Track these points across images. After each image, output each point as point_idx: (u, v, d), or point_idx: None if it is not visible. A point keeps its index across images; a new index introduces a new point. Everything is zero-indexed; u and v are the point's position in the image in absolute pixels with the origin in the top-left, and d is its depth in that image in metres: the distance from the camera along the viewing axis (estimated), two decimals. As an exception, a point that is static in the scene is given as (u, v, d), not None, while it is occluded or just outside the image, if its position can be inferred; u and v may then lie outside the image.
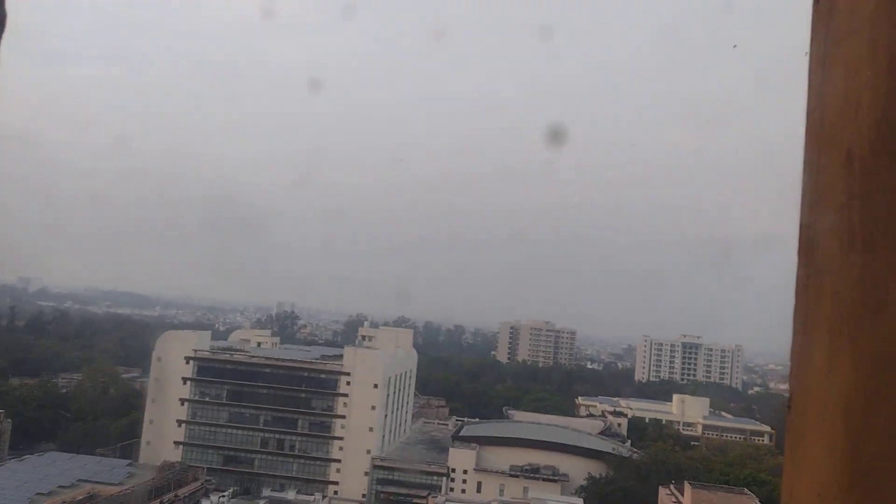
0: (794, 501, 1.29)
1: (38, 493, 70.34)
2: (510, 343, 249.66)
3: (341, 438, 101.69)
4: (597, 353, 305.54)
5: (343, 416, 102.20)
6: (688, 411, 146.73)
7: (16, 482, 72.63)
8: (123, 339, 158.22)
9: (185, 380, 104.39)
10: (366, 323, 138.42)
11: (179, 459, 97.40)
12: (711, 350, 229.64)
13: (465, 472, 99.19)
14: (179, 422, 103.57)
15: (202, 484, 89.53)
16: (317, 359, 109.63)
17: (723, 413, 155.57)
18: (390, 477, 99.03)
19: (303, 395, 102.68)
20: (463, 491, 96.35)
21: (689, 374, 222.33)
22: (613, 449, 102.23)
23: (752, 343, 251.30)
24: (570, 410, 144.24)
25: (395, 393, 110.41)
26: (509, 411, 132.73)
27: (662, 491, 78.93)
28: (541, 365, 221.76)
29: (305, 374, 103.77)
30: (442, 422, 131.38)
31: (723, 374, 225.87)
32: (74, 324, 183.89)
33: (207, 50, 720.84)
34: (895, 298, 1.12)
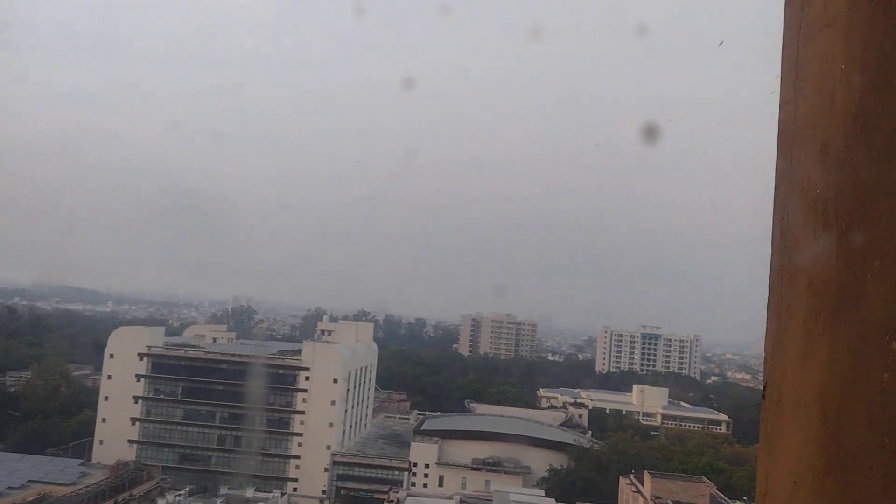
0: (769, 488, 1.32)
1: (-15, 495, 68.42)
2: (472, 336, 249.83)
3: (300, 434, 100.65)
4: (558, 345, 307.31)
5: (302, 412, 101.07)
6: (647, 401, 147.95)
7: (-39, 485, 70.49)
8: (74, 336, 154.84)
9: (138, 377, 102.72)
10: (325, 317, 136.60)
11: (134, 458, 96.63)
12: (670, 340, 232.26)
13: (426, 466, 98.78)
14: (133, 420, 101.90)
15: (157, 483, 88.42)
16: (274, 354, 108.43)
17: (682, 403, 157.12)
18: (351, 473, 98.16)
19: (260, 391, 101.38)
20: (425, 485, 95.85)
21: (648, 365, 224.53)
22: (574, 440, 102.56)
23: (709, 333, 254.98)
24: (532, 402, 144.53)
25: (355, 388, 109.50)
26: (471, 404, 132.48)
27: (623, 481, 79.38)
28: (502, 357, 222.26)
29: (263, 369, 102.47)
30: (403, 416, 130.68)
31: (681, 364, 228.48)
32: (22, 320, 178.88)
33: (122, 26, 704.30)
34: (872, 289, 1.15)
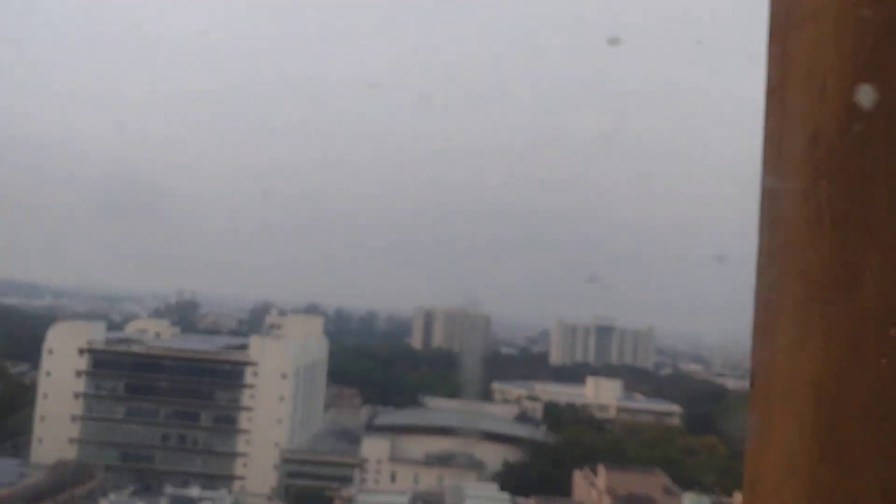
0: (760, 475, 1.30)
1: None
2: (425, 329, 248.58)
3: (248, 432, 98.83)
4: (512, 338, 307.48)
5: (250, 409, 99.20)
6: (601, 394, 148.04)
7: None
8: (10, 331, 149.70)
9: (78, 373, 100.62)
10: (273, 310, 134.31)
11: (74, 457, 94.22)
12: (624, 332, 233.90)
13: (378, 462, 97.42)
14: (74, 417, 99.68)
15: (99, 482, 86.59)
16: (220, 349, 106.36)
17: (635, 395, 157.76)
18: (300, 470, 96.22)
19: (205, 388, 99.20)
20: (377, 482, 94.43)
21: (602, 357, 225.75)
22: (528, 434, 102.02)
23: (662, 324, 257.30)
24: (486, 396, 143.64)
25: (305, 383, 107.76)
26: (424, 399, 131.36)
27: (578, 474, 78.89)
28: (456, 351, 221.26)
29: (208, 365, 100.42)
30: (355, 411, 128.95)
31: (635, 356, 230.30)
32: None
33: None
34: (869, 277, 1.14)
